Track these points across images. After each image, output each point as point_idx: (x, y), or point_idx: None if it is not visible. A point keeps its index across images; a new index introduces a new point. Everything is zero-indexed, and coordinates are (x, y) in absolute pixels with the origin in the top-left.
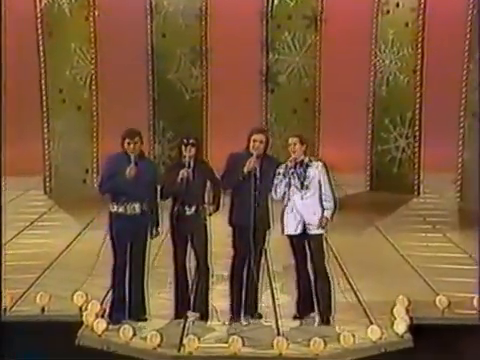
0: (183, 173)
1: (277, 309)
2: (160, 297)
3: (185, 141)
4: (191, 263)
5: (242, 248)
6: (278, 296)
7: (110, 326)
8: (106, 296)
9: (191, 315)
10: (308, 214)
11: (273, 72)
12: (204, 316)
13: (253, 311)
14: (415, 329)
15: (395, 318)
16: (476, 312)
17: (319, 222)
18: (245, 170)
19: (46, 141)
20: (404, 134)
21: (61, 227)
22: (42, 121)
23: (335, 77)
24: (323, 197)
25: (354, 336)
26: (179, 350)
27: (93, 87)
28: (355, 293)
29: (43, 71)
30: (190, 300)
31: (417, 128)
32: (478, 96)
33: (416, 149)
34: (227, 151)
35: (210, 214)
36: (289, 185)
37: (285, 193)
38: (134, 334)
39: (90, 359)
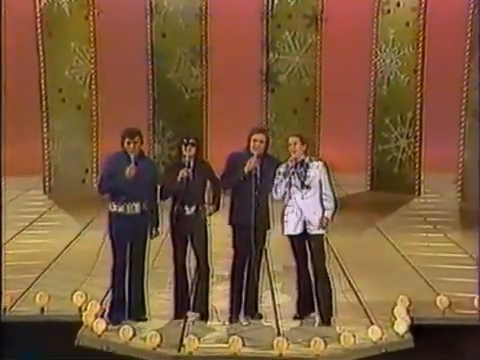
0: (183, 173)
1: (277, 309)
2: (160, 297)
3: (185, 141)
4: (191, 263)
5: (242, 248)
6: (278, 296)
7: (110, 326)
8: (106, 296)
9: (191, 315)
10: (308, 214)
11: (273, 72)
12: (204, 316)
13: (253, 311)
14: (416, 329)
15: (396, 318)
16: (477, 312)
17: (320, 222)
18: (245, 170)
19: (46, 141)
20: (405, 134)
21: (61, 227)
22: (42, 121)
23: (335, 77)
24: (323, 197)
25: (355, 336)
26: (179, 350)
27: (93, 87)
28: (355, 293)
29: (43, 71)
30: (190, 300)
31: (418, 128)
32: (478, 96)
33: (417, 149)
34: (227, 151)
35: (210, 214)
36: (289, 185)
37: (285, 193)
38: (134, 334)
39: (90, 359)
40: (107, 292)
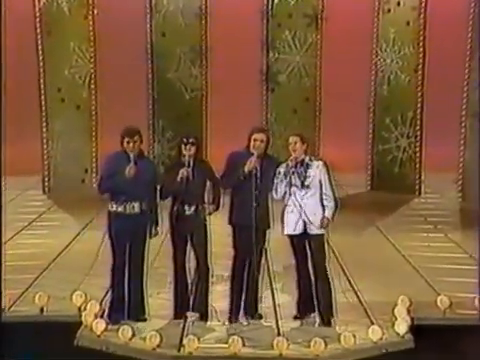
0: (183, 172)
1: (277, 309)
2: (159, 297)
3: (185, 140)
4: (191, 263)
5: (242, 248)
6: (278, 296)
7: (109, 326)
8: (105, 296)
9: (191, 315)
10: (309, 214)
11: (273, 71)
12: (204, 316)
13: (253, 311)
14: (416, 329)
15: (396, 318)
16: (477, 312)
17: (320, 222)
18: (246, 169)
19: (45, 140)
20: (405, 134)
21: (60, 227)
22: (41, 120)
23: (336, 76)
24: (323, 197)
25: (355, 336)
26: (179, 350)
27: (92, 86)
28: (356, 293)
29: (42, 70)
30: (190, 300)
31: (418, 127)
32: (478, 96)
33: (417, 149)
34: (227, 151)
35: (210, 213)
36: (290, 185)
37: (285, 193)
38: (133, 334)
39: (89, 359)
40: (106, 292)
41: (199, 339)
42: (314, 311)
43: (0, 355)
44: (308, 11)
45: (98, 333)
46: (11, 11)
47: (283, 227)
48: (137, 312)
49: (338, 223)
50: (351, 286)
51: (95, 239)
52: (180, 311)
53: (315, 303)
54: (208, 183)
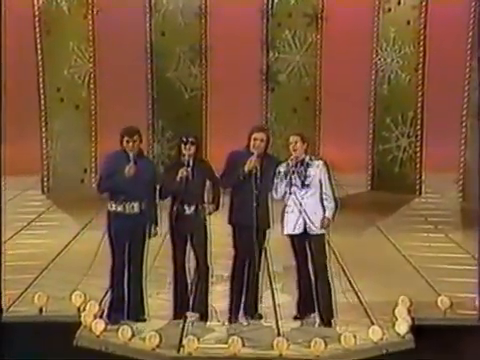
0: (182, 172)
1: (277, 309)
2: (159, 297)
3: (184, 139)
4: (190, 263)
5: (242, 248)
6: (278, 296)
7: (109, 327)
8: (105, 296)
9: (190, 316)
10: (309, 213)
11: (273, 71)
12: (203, 316)
13: (253, 311)
14: (417, 330)
15: (396, 319)
16: (477, 313)
17: (321, 223)
18: (246, 169)
19: (44, 140)
20: (406, 133)
21: (59, 227)
22: (40, 120)
23: (336, 76)
24: (324, 196)
25: (355, 337)
26: (178, 351)
27: (91, 86)
28: (356, 293)
29: (41, 70)
30: (189, 300)
31: (419, 127)
32: (479, 95)
33: (418, 148)
34: (227, 150)
35: (210, 213)
36: (290, 184)
37: (286, 192)
38: (133, 335)
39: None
40: (106, 292)
41: (199, 339)
42: (314, 311)
43: (0, 355)
44: (308, 10)
45: (97, 333)
46: (10, 10)
47: (283, 227)
48: (137, 312)
49: (338, 223)
50: (351, 286)
51: (94, 239)
52: (180, 311)
53: (315, 303)
54: (208, 183)
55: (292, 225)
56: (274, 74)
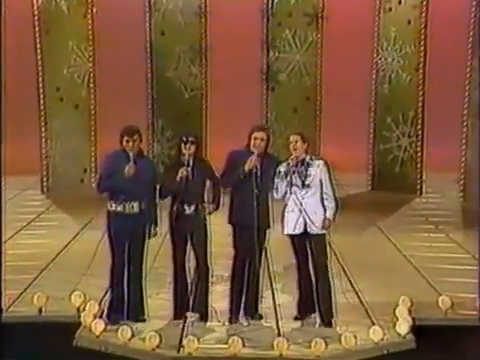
0: (182, 172)
1: (278, 310)
2: (159, 298)
3: (184, 139)
4: (190, 263)
5: (243, 248)
6: (279, 296)
7: (108, 327)
8: (104, 296)
9: (190, 316)
10: (309, 213)
11: (273, 70)
12: (204, 317)
13: (253, 312)
14: (418, 330)
15: (397, 319)
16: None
17: (322, 224)
18: (246, 168)
19: (43, 140)
20: (406, 133)
21: (59, 227)
22: (39, 120)
23: (336, 75)
24: (324, 196)
25: (356, 337)
26: (178, 351)
27: (91, 85)
28: (357, 293)
29: (40, 69)
30: (189, 301)
31: (419, 127)
32: (479, 95)
33: (418, 148)
34: (227, 150)
35: (210, 213)
36: (290, 184)
37: (286, 192)
38: (133, 335)
39: None
40: (106, 292)
41: (199, 340)
42: (315, 311)
43: (0, 355)
44: (308, 10)
45: (97, 333)
46: (9, 10)
47: (283, 227)
48: (136, 312)
49: (339, 223)
50: (352, 286)
51: (94, 239)
52: (180, 311)
53: (316, 303)
54: (208, 182)
55: (292, 225)
56: (274, 73)
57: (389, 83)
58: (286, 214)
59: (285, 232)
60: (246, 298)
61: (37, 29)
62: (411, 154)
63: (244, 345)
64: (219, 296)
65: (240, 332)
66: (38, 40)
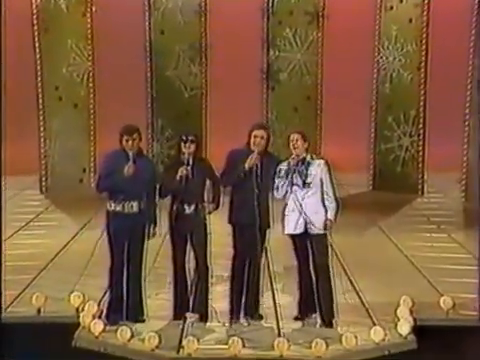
0: (182, 171)
1: (278, 310)
2: (158, 298)
3: (184, 138)
4: (190, 263)
5: (242, 247)
6: (279, 297)
7: (107, 327)
8: (103, 297)
9: (190, 316)
10: (310, 213)
11: (274, 69)
12: (203, 317)
13: (254, 312)
14: (419, 330)
15: (399, 319)
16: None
17: (323, 225)
18: (246, 166)
19: (42, 139)
20: (408, 132)
21: (58, 227)
22: (38, 119)
23: (337, 74)
24: (325, 196)
25: (357, 337)
26: (178, 352)
27: (90, 84)
28: (358, 294)
29: (39, 68)
30: (189, 301)
31: (421, 126)
32: (478, 94)
33: (420, 148)
34: (227, 150)
35: (210, 212)
36: (291, 184)
37: (287, 192)
38: (132, 335)
39: None
40: (105, 293)
41: (199, 340)
42: (315, 312)
43: (0, 355)
44: (309, 8)
45: (96, 334)
46: (8, 8)
47: (284, 227)
48: (136, 313)
49: (340, 223)
50: (353, 286)
51: (93, 239)
52: (179, 312)
53: (316, 304)
54: (208, 182)
55: (293, 225)
56: (275, 73)
57: (390, 82)
58: (286, 214)
59: (286, 232)
60: (246, 298)
61: (36, 28)
62: (412, 154)
63: (244, 346)
64: (219, 296)
65: (240, 332)
66: (37, 39)
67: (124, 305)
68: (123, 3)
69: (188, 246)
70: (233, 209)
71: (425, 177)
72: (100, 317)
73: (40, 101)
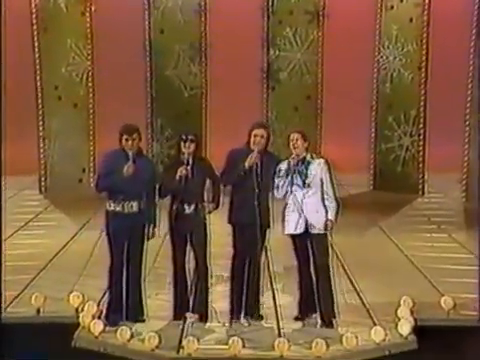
0: (182, 171)
1: (278, 310)
2: (158, 298)
3: (184, 137)
4: (190, 264)
5: (242, 247)
6: (279, 297)
7: (107, 327)
8: (103, 297)
9: (190, 316)
10: (310, 213)
11: (274, 69)
12: (203, 317)
13: (254, 312)
14: (419, 330)
15: (399, 319)
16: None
17: (324, 225)
18: (246, 165)
19: (41, 139)
20: (408, 132)
21: (57, 227)
22: (37, 119)
23: (337, 74)
24: (325, 196)
25: (357, 338)
26: (178, 352)
27: (89, 84)
28: (358, 294)
29: (38, 68)
30: (189, 301)
31: (421, 126)
32: (478, 94)
33: (420, 147)
34: (227, 149)
35: (210, 212)
36: (291, 184)
37: (287, 192)
38: (132, 336)
39: None
40: (104, 293)
41: (198, 340)
42: (316, 312)
43: (0, 355)
44: (309, 8)
45: (96, 334)
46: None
47: (284, 227)
48: (135, 313)
49: (340, 223)
50: (353, 286)
51: (93, 239)
52: (179, 312)
53: (317, 304)
54: (208, 181)
55: (293, 225)
56: (275, 72)
57: (391, 82)
58: (287, 214)
59: (286, 232)
60: (246, 298)
61: (35, 27)
62: (413, 153)
63: (244, 346)
64: (219, 296)
65: (240, 333)
66: (36, 38)
67: (124, 305)
68: (123, 2)
69: (188, 246)
70: (233, 209)
71: (425, 177)
72: (100, 317)
73: (39, 101)
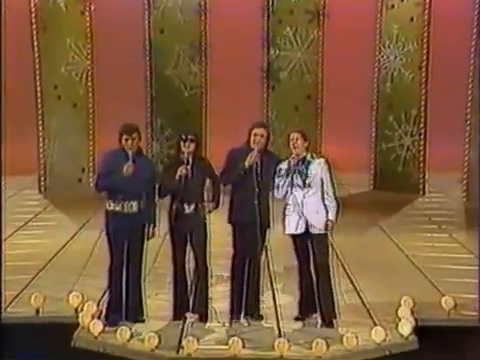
0: (182, 170)
1: (278, 310)
2: (158, 298)
3: (184, 137)
4: (190, 263)
5: (242, 247)
6: (279, 297)
7: (107, 328)
8: (102, 297)
9: (190, 316)
10: (310, 213)
11: (274, 68)
12: (203, 317)
13: (254, 312)
14: (420, 330)
15: (400, 319)
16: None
17: (325, 225)
18: (246, 164)
19: (41, 139)
20: (409, 132)
21: (56, 227)
22: (37, 119)
23: (338, 73)
24: (325, 196)
25: (357, 338)
26: (178, 352)
27: (89, 84)
28: (358, 294)
29: (38, 67)
30: (189, 301)
31: (422, 126)
32: (479, 93)
33: (421, 147)
34: (227, 149)
35: (209, 211)
36: (291, 184)
37: (287, 192)
38: (131, 336)
39: None
40: (104, 293)
41: (198, 340)
42: (316, 312)
43: (0, 355)
44: (309, 7)
45: (95, 334)
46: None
47: (285, 227)
48: (135, 313)
49: (340, 223)
50: (354, 286)
51: (92, 239)
52: (179, 312)
53: (317, 304)
54: (207, 181)
55: (294, 225)
56: (275, 72)
57: (391, 81)
58: (287, 214)
59: (286, 232)
60: (246, 298)
61: (34, 27)
62: (414, 153)
63: (244, 346)
64: (219, 296)
65: (240, 333)
66: (35, 38)
67: (123, 305)
68: (122, 2)
69: (188, 246)
70: (233, 208)
71: (426, 177)
72: (99, 317)
73: (39, 100)
